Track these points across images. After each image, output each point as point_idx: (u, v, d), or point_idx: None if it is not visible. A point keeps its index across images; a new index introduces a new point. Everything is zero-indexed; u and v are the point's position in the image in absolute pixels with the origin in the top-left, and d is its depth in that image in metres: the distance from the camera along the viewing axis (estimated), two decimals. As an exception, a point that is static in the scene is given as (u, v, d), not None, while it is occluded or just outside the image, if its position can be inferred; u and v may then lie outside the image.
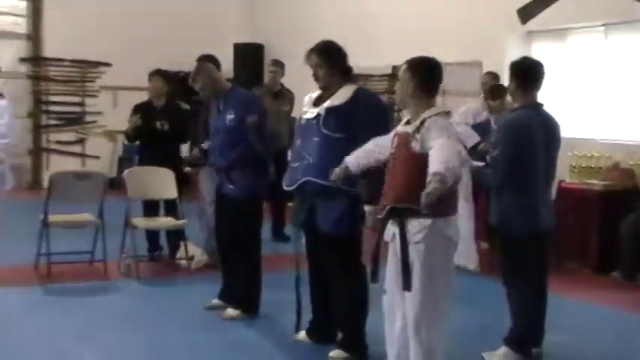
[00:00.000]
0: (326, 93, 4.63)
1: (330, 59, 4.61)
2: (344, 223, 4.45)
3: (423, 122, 3.74)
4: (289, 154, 7.59)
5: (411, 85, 3.82)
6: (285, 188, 4.76)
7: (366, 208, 4.13)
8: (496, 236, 4.95)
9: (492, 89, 7.51)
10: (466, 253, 7.10)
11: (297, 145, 4.72)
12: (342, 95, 4.55)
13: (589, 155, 7.76)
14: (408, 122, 3.90)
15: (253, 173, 5.46)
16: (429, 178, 3.44)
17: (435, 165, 3.48)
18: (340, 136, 4.50)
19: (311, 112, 4.62)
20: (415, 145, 3.72)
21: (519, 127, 4.64)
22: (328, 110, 4.53)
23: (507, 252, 4.75)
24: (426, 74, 3.85)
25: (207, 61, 5.83)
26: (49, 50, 12.41)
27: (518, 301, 4.68)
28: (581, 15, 8.12)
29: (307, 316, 5.01)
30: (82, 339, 5.09)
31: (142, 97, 7.68)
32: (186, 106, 7.78)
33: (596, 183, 7.49)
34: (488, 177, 4.79)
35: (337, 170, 4.24)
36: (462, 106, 7.77)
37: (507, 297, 4.73)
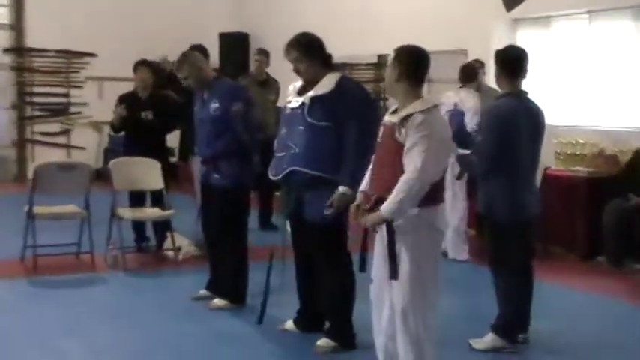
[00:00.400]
0: (310, 85, 4.62)
1: (308, 52, 4.60)
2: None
3: (409, 116, 3.73)
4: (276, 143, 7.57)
5: (398, 73, 3.82)
6: (271, 178, 4.76)
7: (340, 189, 4.08)
8: (484, 224, 4.96)
9: (462, 69, 7.42)
10: (456, 246, 7.14)
11: (282, 134, 4.71)
12: (327, 84, 4.54)
13: (574, 142, 7.79)
14: (395, 111, 3.89)
15: (239, 163, 5.45)
16: (396, 192, 3.62)
17: (398, 193, 3.61)
18: (325, 125, 4.50)
19: (296, 101, 4.62)
20: (400, 137, 3.72)
21: (504, 115, 4.65)
22: (313, 99, 4.53)
23: (494, 239, 4.77)
24: (413, 63, 3.84)
25: (196, 50, 5.82)
26: (32, 41, 12.31)
27: (505, 288, 4.71)
28: (565, 2, 8.13)
29: (294, 305, 5.02)
30: (69, 331, 5.08)
31: (128, 87, 7.63)
32: (176, 97, 7.74)
33: (581, 170, 7.52)
34: (474, 165, 4.81)
35: (352, 207, 3.94)
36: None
37: (494, 284, 4.76)
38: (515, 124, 4.62)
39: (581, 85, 8.36)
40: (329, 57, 4.68)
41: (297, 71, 4.66)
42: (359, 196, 3.93)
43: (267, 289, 5.03)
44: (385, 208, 3.67)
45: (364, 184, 3.96)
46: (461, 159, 4.98)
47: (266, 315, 5.13)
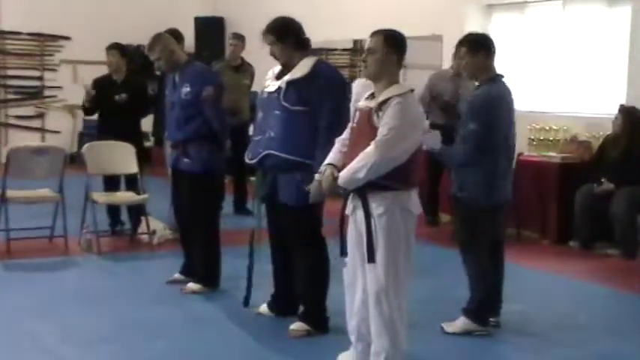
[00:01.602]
0: (286, 69, 4.64)
1: (282, 36, 4.61)
2: (303, 195, 4.44)
3: (387, 100, 3.76)
4: (251, 128, 7.59)
5: (396, 58, 3.85)
6: (247, 161, 4.77)
7: (316, 176, 4.10)
8: (456, 206, 4.98)
9: None
10: None
11: (258, 118, 4.74)
12: (302, 68, 4.55)
13: (547, 128, 7.86)
14: (370, 96, 3.91)
15: (209, 147, 5.44)
16: (356, 161, 3.72)
17: (357, 161, 3.71)
18: (301, 109, 4.51)
19: (272, 86, 4.63)
20: (377, 121, 3.76)
21: (494, 100, 4.65)
22: (288, 83, 4.54)
23: (467, 222, 4.80)
24: (402, 47, 3.89)
25: (171, 34, 5.79)
26: (6, 23, 12.18)
27: (476, 271, 4.75)
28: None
29: (268, 289, 5.03)
30: (43, 315, 5.07)
31: (103, 71, 7.58)
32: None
33: (554, 155, 7.59)
34: (452, 156, 4.77)
35: (324, 179, 3.94)
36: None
37: (466, 268, 4.80)
38: (502, 108, 4.68)
39: (554, 70, 8.43)
40: (305, 41, 4.68)
41: (273, 55, 4.67)
42: (325, 169, 3.95)
43: (250, 271, 5.02)
44: (342, 174, 3.79)
45: (330, 157, 3.99)
46: (438, 153, 4.86)
47: (240, 299, 5.15)
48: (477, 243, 4.74)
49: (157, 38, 5.56)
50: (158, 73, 6.36)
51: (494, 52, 4.79)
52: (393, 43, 3.88)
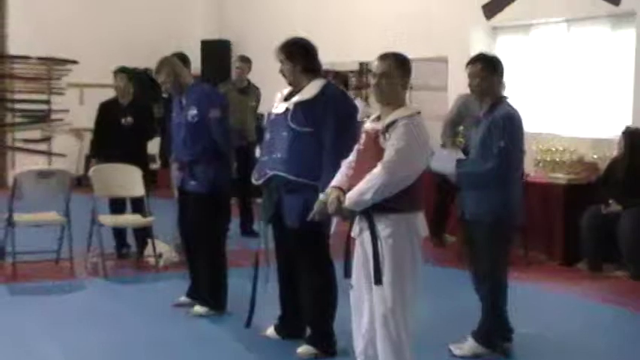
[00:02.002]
0: (295, 89, 4.66)
1: (292, 56, 4.64)
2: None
3: (394, 122, 3.77)
4: (257, 149, 7.59)
5: (405, 81, 3.88)
6: (254, 182, 4.78)
7: (321, 196, 4.09)
8: (470, 230, 4.81)
9: None
10: None
11: (266, 139, 4.76)
12: (310, 90, 4.58)
13: (554, 149, 7.85)
14: (377, 118, 3.92)
15: (215, 169, 5.44)
16: (363, 183, 3.72)
17: (364, 183, 3.72)
18: (308, 131, 4.53)
19: (280, 107, 4.65)
20: (384, 143, 3.77)
21: (517, 118, 4.69)
22: (296, 105, 4.56)
23: (491, 246, 4.62)
24: (409, 70, 3.91)
25: (177, 58, 5.83)
26: (14, 48, 12.26)
27: (493, 297, 4.65)
28: (544, 10, 8.21)
29: (274, 311, 5.02)
30: (49, 338, 5.06)
31: (109, 94, 7.63)
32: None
33: (560, 177, 7.58)
34: (477, 175, 4.64)
35: (329, 202, 3.94)
36: None
37: (482, 293, 4.70)
38: (522, 127, 4.72)
39: (560, 92, 8.43)
40: (315, 64, 4.71)
41: (282, 73, 4.71)
42: (331, 191, 3.95)
43: (254, 293, 5.01)
44: (348, 196, 3.79)
45: (336, 180, 3.99)
46: (463, 170, 4.75)
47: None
48: (498, 267, 4.65)
49: (164, 62, 5.60)
50: (165, 95, 6.39)
51: (503, 73, 4.82)
52: (401, 66, 3.90)
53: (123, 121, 7.15)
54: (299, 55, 4.65)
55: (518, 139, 4.65)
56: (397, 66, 3.88)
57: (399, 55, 3.95)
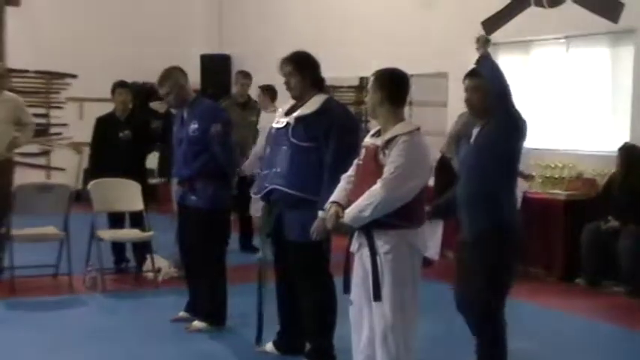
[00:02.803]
0: (298, 102, 4.66)
1: (302, 68, 4.64)
2: (309, 231, 4.43)
3: (393, 138, 3.77)
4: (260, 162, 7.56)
5: (379, 97, 3.86)
6: (253, 196, 4.78)
7: (320, 214, 4.09)
8: (482, 256, 4.14)
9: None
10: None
11: (267, 153, 4.76)
12: (312, 105, 4.59)
13: (552, 165, 7.86)
14: (376, 134, 3.92)
15: (216, 184, 5.43)
16: (362, 199, 3.71)
17: (363, 200, 3.72)
18: (309, 146, 4.53)
19: (281, 122, 4.66)
20: (383, 159, 3.77)
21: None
22: (297, 119, 4.56)
23: (496, 274, 4.09)
24: (393, 86, 3.89)
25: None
26: (13, 61, 12.25)
27: (498, 336, 4.22)
28: (543, 27, 8.25)
29: (274, 327, 5.00)
30: (47, 354, 5.04)
31: (108, 108, 7.63)
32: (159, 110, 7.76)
33: (559, 193, 7.59)
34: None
35: (328, 218, 3.92)
36: None
37: (483, 336, 4.25)
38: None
39: (559, 108, 8.45)
40: (321, 79, 4.73)
41: (288, 85, 4.69)
42: (330, 206, 3.94)
43: (260, 308, 4.98)
44: (347, 212, 3.79)
45: (335, 195, 3.99)
46: None
47: (246, 337, 5.11)
48: (502, 298, 4.14)
49: (168, 73, 5.58)
50: (162, 111, 6.42)
51: None
52: (384, 82, 3.88)
53: (121, 135, 7.15)
54: (309, 68, 4.66)
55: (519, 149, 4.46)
56: (378, 83, 3.88)
57: (383, 71, 3.94)
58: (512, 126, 4.11)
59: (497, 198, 4.11)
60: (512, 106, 4.16)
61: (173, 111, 6.12)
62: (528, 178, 7.64)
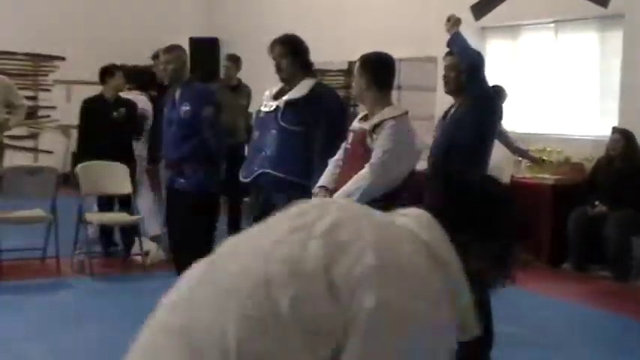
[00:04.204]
0: (287, 85, 4.65)
1: (293, 51, 4.64)
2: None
3: (381, 122, 3.77)
4: (246, 148, 7.57)
5: (364, 80, 3.85)
6: (242, 179, 4.78)
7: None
8: None
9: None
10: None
11: (255, 137, 4.75)
12: (301, 89, 4.58)
13: (540, 150, 7.88)
14: (364, 118, 3.92)
15: (205, 168, 5.42)
16: (350, 184, 3.71)
17: (351, 184, 3.73)
18: (298, 130, 4.53)
19: (270, 105, 4.64)
20: (371, 143, 3.76)
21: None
22: (287, 103, 4.56)
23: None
24: (378, 69, 3.89)
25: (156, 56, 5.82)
26: (0, 44, 12.19)
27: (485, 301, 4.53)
28: (532, 12, 8.24)
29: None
30: (35, 337, 5.03)
31: (96, 91, 7.58)
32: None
33: (547, 177, 7.61)
34: None
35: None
36: None
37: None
38: None
39: (547, 93, 8.47)
40: (310, 63, 4.73)
41: (278, 67, 4.68)
42: (318, 191, 3.94)
43: None
44: (335, 196, 3.80)
45: (323, 179, 3.98)
46: None
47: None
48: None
49: (176, 46, 5.64)
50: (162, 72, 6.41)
51: None
52: (368, 66, 3.89)
53: (115, 114, 7.07)
54: (300, 51, 4.65)
55: None
56: (363, 67, 3.89)
57: (368, 55, 3.98)
58: (487, 107, 4.14)
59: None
60: (485, 83, 4.17)
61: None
62: (538, 161, 7.64)
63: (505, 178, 7.63)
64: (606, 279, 6.95)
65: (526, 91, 8.65)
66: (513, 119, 8.08)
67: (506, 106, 7.80)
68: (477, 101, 4.12)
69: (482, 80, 4.16)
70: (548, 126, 8.36)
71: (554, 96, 8.40)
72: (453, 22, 4.41)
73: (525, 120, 8.46)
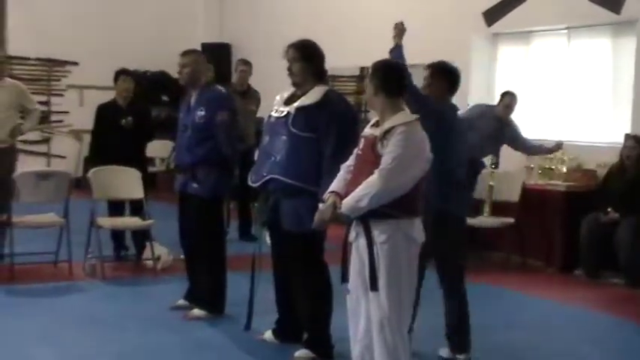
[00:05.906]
0: (299, 90, 4.66)
1: (307, 56, 4.65)
2: (306, 221, 4.37)
3: (391, 128, 3.77)
4: (256, 153, 7.59)
5: (375, 87, 3.87)
6: (250, 184, 4.78)
7: (320, 206, 4.09)
8: (439, 231, 4.46)
9: None
10: None
11: (264, 142, 4.74)
12: (313, 96, 4.58)
13: (552, 156, 7.86)
14: (375, 124, 3.93)
15: (218, 173, 5.43)
16: (359, 189, 3.69)
17: (361, 190, 3.70)
18: (308, 136, 4.52)
19: (281, 111, 4.65)
20: (381, 149, 3.76)
21: None
22: (298, 109, 4.56)
23: (460, 242, 4.70)
24: (387, 76, 3.89)
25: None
26: (13, 49, 12.25)
27: (462, 296, 4.68)
28: (544, 18, 8.23)
29: (272, 315, 5.02)
30: (46, 341, 5.05)
31: (109, 96, 7.63)
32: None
33: (559, 184, 7.59)
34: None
35: (326, 207, 3.90)
36: None
37: (451, 294, 4.69)
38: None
39: (560, 100, 8.44)
40: (324, 71, 4.73)
41: (290, 70, 4.68)
42: (329, 197, 3.94)
43: (252, 296, 5.01)
44: (344, 202, 3.78)
45: (334, 185, 3.98)
46: None
47: (244, 325, 5.13)
48: (462, 265, 4.70)
49: (194, 50, 5.72)
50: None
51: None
52: (379, 72, 3.88)
53: (123, 121, 7.13)
54: (315, 57, 4.66)
55: None
56: (374, 74, 3.89)
57: (379, 62, 3.95)
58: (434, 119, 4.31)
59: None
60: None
61: None
62: (555, 149, 7.61)
63: (517, 186, 7.62)
64: (618, 286, 6.93)
65: (538, 98, 8.63)
66: (526, 125, 8.06)
67: (519, 113, 7.82)
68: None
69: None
70: (561, 132, 8.32)
71: (566, 102, 8.37)
72: (398, 30, 4.52)
73: (538, 126, 8.43)
